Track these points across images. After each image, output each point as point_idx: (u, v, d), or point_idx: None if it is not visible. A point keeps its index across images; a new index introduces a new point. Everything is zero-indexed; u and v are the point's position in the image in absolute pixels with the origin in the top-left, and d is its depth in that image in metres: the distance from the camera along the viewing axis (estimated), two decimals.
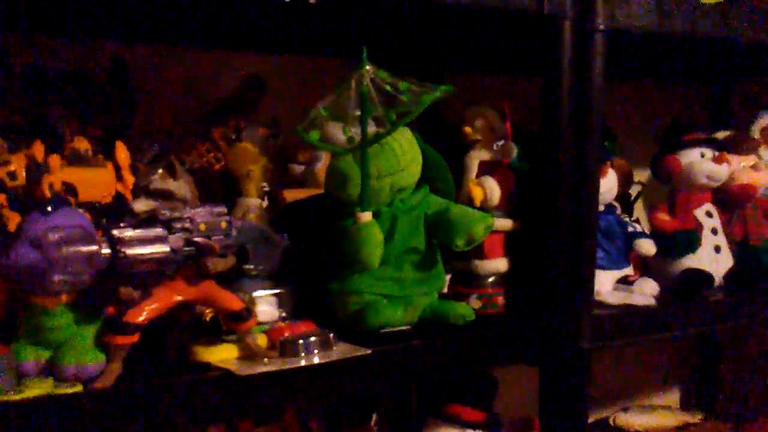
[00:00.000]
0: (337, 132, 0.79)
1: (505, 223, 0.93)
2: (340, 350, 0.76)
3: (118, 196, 0.77)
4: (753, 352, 1.53)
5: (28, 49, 0.88)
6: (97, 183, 0.76)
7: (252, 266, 0.76)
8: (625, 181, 1.13)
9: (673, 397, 1.59)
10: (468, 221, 0.82)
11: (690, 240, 1.10)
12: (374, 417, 1.08)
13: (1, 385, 0.62)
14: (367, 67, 0.75)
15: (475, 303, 0.92)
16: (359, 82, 0.75)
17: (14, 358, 0.65)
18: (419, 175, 0.85)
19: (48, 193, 0.70)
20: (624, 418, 1.35)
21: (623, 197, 1.14)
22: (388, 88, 0.75)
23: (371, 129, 0.78)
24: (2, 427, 0.59)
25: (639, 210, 1.22)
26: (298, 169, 1.00)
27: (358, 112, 0.76)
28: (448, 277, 0.93)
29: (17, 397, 0.61)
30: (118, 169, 0.78)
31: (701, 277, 1.07)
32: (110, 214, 0.75)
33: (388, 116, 0.77)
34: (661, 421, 1.38)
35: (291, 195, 0.93)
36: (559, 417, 0.93)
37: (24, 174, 0.71)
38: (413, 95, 0.75)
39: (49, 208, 0.64)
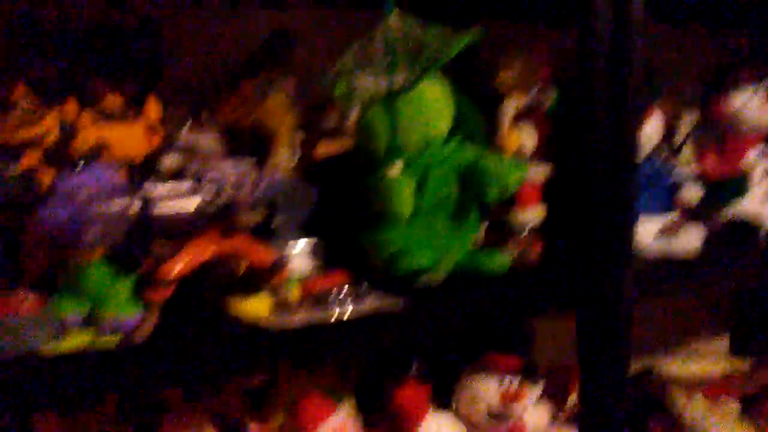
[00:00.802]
0: (366, 82, 0.78)
1: (541, 172, 0.91)
2: (374, 302, 0.76)
3: (151, 152, 0.78)
4: None
5: (54, 6, 0.88)
6: (129, 139, 0.76)
7: (282, 218, 0.76)
8: (671, 123, 1.09)
9: (721, 344, 1.56)
10: (501, 171, 0.80)
11: (739, 185, 1.05)
12: (416, 363, 1.08)
13: (42, 336, 0.65)
14: (395, 14, 0.73)
15: (511, 252, 0.91)
16: (386, 30, 0.73)
17: (55, 311, 0.67)
18: (451, 124, 0.83)
19: (81, 150, 0.72)
20: (669, 366, 1.33)
21: (670, 139, 1.10)
22: (416, 35, 0.73)
23: (400, 78, 0.76)
24: (46, 377, 0.61)
25: (687, 153, 1.17)
26: (331, 120, 0.99)
27: (387, 61, 0.75)
28: (482, 226, 0.92)
29: (59, 349, 0.64)
30: (150, 124, 0.78)
31: (749, 227, 1.03)
32: (143, 169, 0.76)
33: (417, 63, 0.75)
34: (709, 368, 1.35)
35: (323, 148, 0.93)
36: (599, 364, 0.91)
37: (57, 132, 0.72)
38: (443, 41, 0.73)
39: (80, 166, 0.65)
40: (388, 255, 0.80)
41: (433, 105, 0.79)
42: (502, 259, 0.85)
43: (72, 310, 0.68)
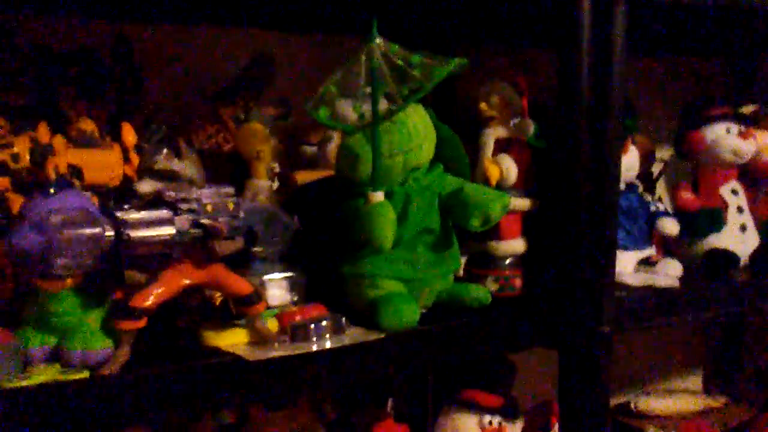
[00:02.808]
0: (348, 109, 0.77)
1: (522, 203, 0.91)
2: (353, 335, 0.74)
3: (126, 178, 0.76)
4: None
5: (32, 29, 0.86)
6: (103, 165, 0.74)
7: (261, 248, 0.74)
8: (646, 158, 1.10)
9: (695, 381, 1.56)
10: (484, 201, 0.79)
11: (715, 219, 1.06)
12: (390, 402, 1.06)
13: (7, 371, 0.61)
14: (378, 41, 0.73)
15: (492, 285, 0.90)
16: (369, 57, 0.73)
17: (20, 344, 0.64)
18: (433, 153, 0.82)
19: (53, 176, 0.69)
20: (645, 402, 1.32)
21: (645, 175, 1.11)
22: (399, 62, 0.73)
23: (382, 105, 0.75)
24: (9, 413, 0.58)
25: (661, 188, 1.18)
26: (310, 149, 0.98)
27: (369, 88, 0.74)
28: (463, 258, 0.91)
29: (23, 384, 0.60)
30: (125, 150, 0.76)
31: (726, 257, 1.04)
32: (117, 196, 0.74)
33: (399, 92, 0.74)
34: (683, 405, 1.35)
35: (303, 176, 0.91)
36: (580, 401, 0.90)
37: (27, 156, 0.70)
38: (426, 69, 0.73)
39: (52, 191, 0.62)
40: (372, 302, 0.77)
41: (416, 133, 0.78)
42: (484, 292, 0.84)
43: (38, 343, 0.65)
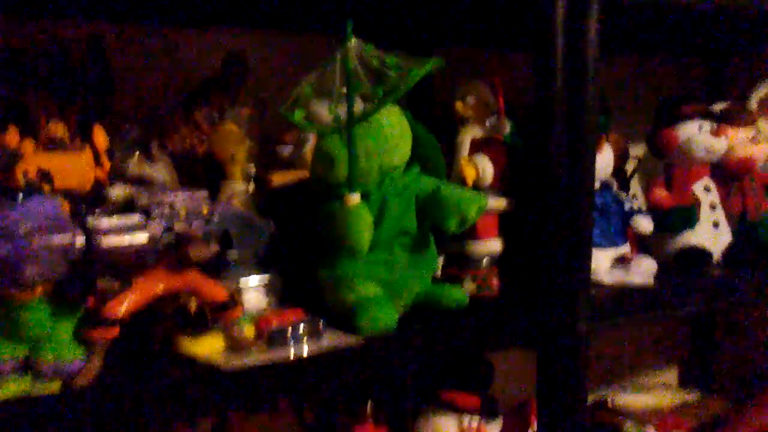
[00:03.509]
0: (323, 110, 0.76)
1: (498, 203, 0.91)
2: (331, 339, 0.74)
3: (97, 183, 0.74)
4: (751, 329, 1.52)
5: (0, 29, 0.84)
6: (74, 169, 0.72)
7: (236, 253, 0.73)
8: (621, 156, 1.10)
9: (671, 376, 1.58)
10: (460, 202, 0.79)
11: (688, 216, 1.07)
12: (369, 405, 1.06)
13: None
14: (353, 42, 0.72)
15: (470, 286, 0.90)
16: (345, 58, 0.72)
17: None
18: (409, 155, 0.82)
19: (22, 182, 0.67)
20: (621, 399, 1.33)
21: (619, 173, 1.12)
22: (375, 63, 0.72)
23: (358, 107, 0.75)
24: None
25: (636, 186, 1.19)
26: (286, 150, 0.97)
27: (344, 90, 0.73)
28: (440, 259, 0.91)
29: None
30: (96, 154, 0.75)
31: (700, 254, 1.05)
32: (88, 201, 0.72)
33: (375, 93, 0.73)
34: (659, 400, 1.37)
35: (278, 178, 0.90)
36: (558, 399, 0.91)
37: None
38: (401, 71, 0.72)
39: (20, 197, 0.61)
40: (349, 307, 0.77)
41: (392, 135, 0.78)
42: (461, 293, 0.84)
43: (8, 354, 0.63)
